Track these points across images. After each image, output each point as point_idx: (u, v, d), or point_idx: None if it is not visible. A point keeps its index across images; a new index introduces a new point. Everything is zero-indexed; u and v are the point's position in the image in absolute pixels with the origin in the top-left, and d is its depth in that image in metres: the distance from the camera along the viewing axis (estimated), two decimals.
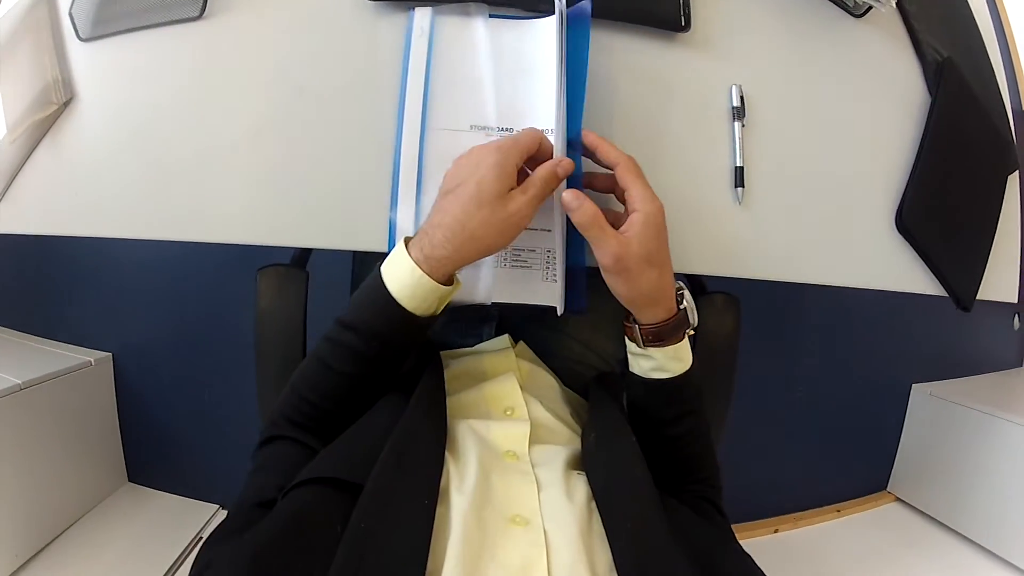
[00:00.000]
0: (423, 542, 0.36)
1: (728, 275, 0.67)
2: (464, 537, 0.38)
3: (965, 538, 1.48)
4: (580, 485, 0.46)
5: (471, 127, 0.60)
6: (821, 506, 1.65)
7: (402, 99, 0.60)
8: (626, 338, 0.58)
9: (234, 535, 0.42)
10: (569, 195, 0.52)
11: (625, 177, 0.53)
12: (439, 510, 0.40)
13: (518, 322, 0.73)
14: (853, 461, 1.73)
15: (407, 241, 0.51)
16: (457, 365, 0.65)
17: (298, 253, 0.77)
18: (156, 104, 0.64)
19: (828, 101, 0.71)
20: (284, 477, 0.46)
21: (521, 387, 0.59)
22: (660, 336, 0.55)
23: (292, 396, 0.54)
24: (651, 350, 0.56)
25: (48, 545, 1.24)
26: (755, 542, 1.52)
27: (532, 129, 0.54)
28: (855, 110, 0.72)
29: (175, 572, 1.24)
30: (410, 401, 0.50)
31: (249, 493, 0.48)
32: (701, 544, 0.42)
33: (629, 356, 0.59)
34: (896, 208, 0.73)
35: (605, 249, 0.51)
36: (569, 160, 0.53)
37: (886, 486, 1.72)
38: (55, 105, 0.63)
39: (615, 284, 0.53)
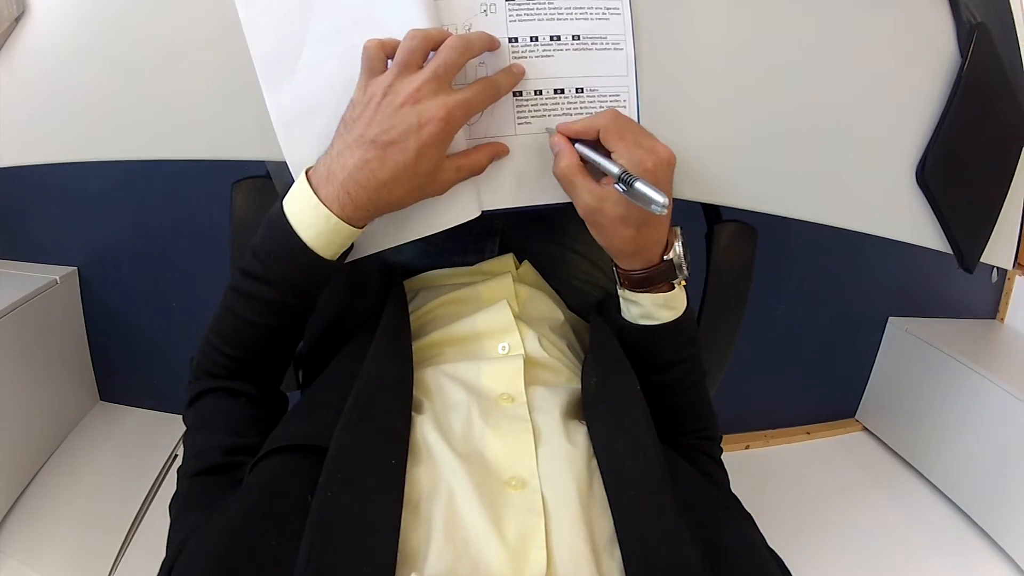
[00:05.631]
0: (394, 507, 0.34)
1: (743, 207, 0.64)
2: (453, 504, 0.36)
3: (926, 479, 1.54)
4: (580, 438, 0.43)
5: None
6: (791, 426, 1.71)
7: None
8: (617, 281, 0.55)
9: (191, 509, 0.41)
10: (555, 140, 0.50)
11: (607, 140, 0.48)
12: (418, 471, 0.37)
13: (523, 237, 0.69)
14: (825, 385, 1.77)
15: (308, 174, 0.46)
16: (453, 291, 0.61)
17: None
18: (115, 4, 0.55)
19: (861, 48, 0.67)
20: (223, 432, 0.45)
21: (517, 317, 0.56)
22: (643, 283, 0.52)
23: (210, 351, 0.50)
24: (638, 295, 0.53)
25: (29, 484, 1.22)
26: (726, 457, 1.55)
27: (486, 82, 0.47)
28: (886, 59, 0.69)
29: (156, 491, 1.25)
30: (372, 344, 0.46)
31: (190, 462, 0.45)
32: (703, 510, 0.40)
33: (620, 299, 0.56)
34: (918, 162, 0.71)
35: (577, 202, 0.50)
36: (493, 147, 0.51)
37: (854, 414, 1.79)
38: (7, 22, 0.56)
39: (591, 231, 0.51)
